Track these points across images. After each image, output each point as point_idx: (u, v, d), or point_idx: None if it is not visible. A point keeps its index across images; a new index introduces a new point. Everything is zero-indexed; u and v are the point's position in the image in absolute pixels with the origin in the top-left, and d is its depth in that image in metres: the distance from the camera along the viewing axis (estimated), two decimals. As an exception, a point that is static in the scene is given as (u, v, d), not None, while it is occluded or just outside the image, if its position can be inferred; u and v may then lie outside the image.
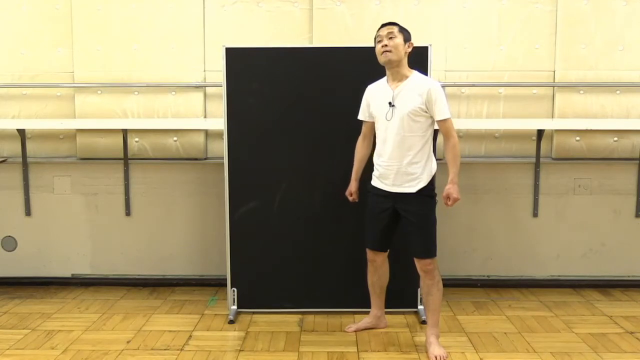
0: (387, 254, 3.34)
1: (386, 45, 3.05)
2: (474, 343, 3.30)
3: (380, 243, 3.29)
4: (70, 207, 4.29)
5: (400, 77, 3.11)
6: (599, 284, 4.23)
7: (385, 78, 3.20)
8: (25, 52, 4.23)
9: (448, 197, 3.08)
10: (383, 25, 3.14)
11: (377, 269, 3.36)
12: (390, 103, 3.09)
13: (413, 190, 3.09)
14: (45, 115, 4.26)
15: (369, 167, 3.32)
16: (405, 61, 3.11)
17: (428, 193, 3.12)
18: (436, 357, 3.08)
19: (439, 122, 3.08)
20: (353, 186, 3.42)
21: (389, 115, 3.09)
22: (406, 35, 3.11)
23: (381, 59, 3.10)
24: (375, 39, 3.14)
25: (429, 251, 3.13)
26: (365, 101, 3.28)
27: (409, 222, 3.14)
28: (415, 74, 3.13)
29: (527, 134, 4.20)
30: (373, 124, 3.25)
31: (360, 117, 3.32)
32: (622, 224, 4.24)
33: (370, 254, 3.34)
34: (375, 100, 3.20)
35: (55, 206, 4.30)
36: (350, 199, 3.43)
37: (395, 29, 3.09)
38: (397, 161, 3.09)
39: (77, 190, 4.29)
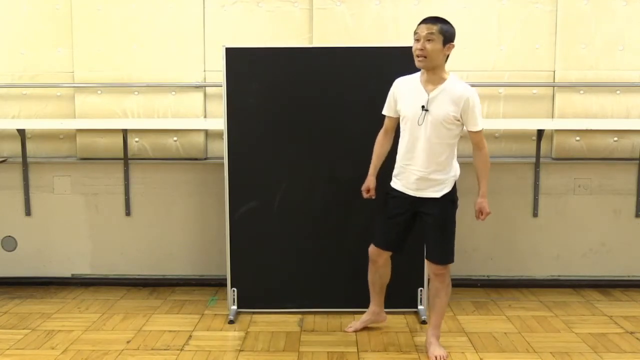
0: (390, 255, 3.26)
1: (421, 50, 2.90)
2: (474, 343, 3.30)
3: (393, 244, 3.19)
4: (70, 207, 4.29)
5: (436, 81, 2.96)
6: (599, 284, 4.23)
7: (418, 76, 3.03)
8: (25, 52, 4.23)
9: (481, 212, 3.04)
10: (424, 21, 2.94)
11: (378, 269, 3.30)
12: (423, 107, 2.94)
13: (437, 195, 3.02)
14: (45, 115, 4.26)
15: (385, 165, 3.24)
16: (443, 64, 2.95)
17: (451, 198, 3.06)
18: (436, 357, 3.08)
19: (473, 132, 2.99)
20: (372, 182, 3.23)
21: (420, 120, 2.95)
22: (447, 36, 2.90)
23: (415, 62, 2.95)
24: (414, 33, 2.96)
25: (447, 257, 3.09)
26: (392, 96, 3.10)
27: (428, 226, 3.08)
28: (451, 78, 2.98)
29: (527, 134, 4.20)
30: (397, 119, 3.12)
31: (385, 112, 3.14)
32: (622, 224, 4.23)
33: (374, 253, 3.24)
34: (405, 99, 3.03)
35: (55, 206, 4.29)
36: (367, 195, 3.27)
37: (435, 30, 2.88)
38: (424, 167, 2.99)
39: (77, 190, 4.29)
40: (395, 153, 3.15)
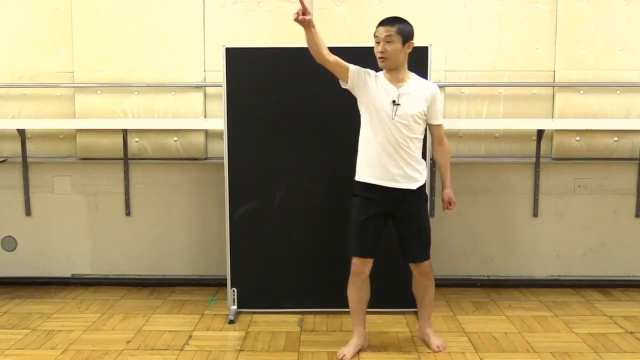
0: (372, 261, 3.13)
1: (382, 52, 2.98)
2: (474, 343, 3.30)
3: (373, 249, 3.09)
4: (70, 207, 4.29)
5: (400, 78, 3.04)
6: (599, 284, 4.23)
7: (383, 74, 3.08)
8: (25, 52, 4.23)
9: (449, 202, 3.11)
10: (382, 23, 3.02)
11: (364, 282, 3.12)
12: (394, 102, 3.00)
13: (414, 187, 3.03)
14: (45, 115, 4.26)
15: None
16: (405, 62, 3.04)
17: (424, 193, 3.10)
18: (438, 347, 3.17)
19: (436, 126, 3.10)
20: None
21: (393, 115, 2.99)
22: (406, 35, 2.98)
23: (378, 63, 3.03)
24: (374, 36, 3.03)
25: (428, 253, 3.13)
26: (366, 75, 3.04)
27: (408, 228, 3.08)
28: (414, 75, 3.09)
29: (527, 134, 4.20)
30: (346, 71, 3.01)
31: (351, 65, 3.03)
32: (622, 224, 4.24)
33: (359, 265, 3.07)
34: (375, 93, 3.01)
35: (55, 206, 4.30)
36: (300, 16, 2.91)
37: (393, 31, 2.96)
38: (398, 161, 2.99)
39: (77, 190, 4.29)
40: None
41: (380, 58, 3.00)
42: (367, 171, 3.05)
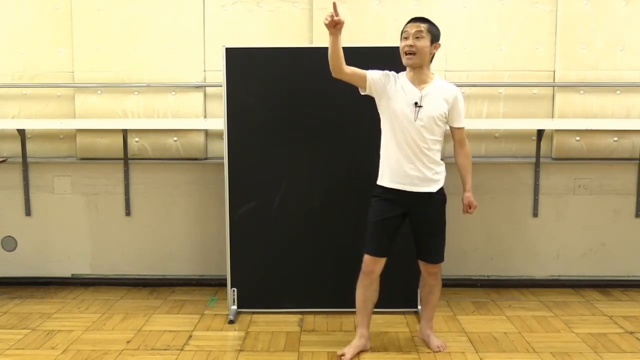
0: (384, 264, 3.12)
1: (411, 47, 2.92)
2: (474, 343, 3.30)
3: (387, 249, 3.09)
4: (70, 207, 4.30)
5: (423, 79, 2.99)
6: (599, 284, 4.23)
7: (405, 74, 3.04)
8: (25, 52, 4.23)
9: (470, 206, 3.10)
10: (412, 20, 2.98)
11: (373, 282, 3.09)
12: (416, 103, 2.96)
13: (433, 190, 3.01)
14: (45, 115, 4.26)
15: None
16: (428, 63, 3.01)
17: (443, 195, 3.08)
18: (438, 347, 3.18)
19: (457, 129, 3.07)
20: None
21: (414, 117, 2.95)
22: (435, 35, 2.97)
23: (404, 60, 2.98)
24: (401, 33, 3.00)
25: (442, 256, 3.13)
26: (385, 79, 3.00)
27: (425, 228, 3.07)
28: (437, 77, 3.06)
29: (527, 134, 4.20)
30: (364, 79, 2.99)
31: (370, 72, 3.00)
32: (622, 224, 4.24)
33: (370, 264, 3.06)
34: (397, 95, 2.98)
35: (55, 206, 4.30)
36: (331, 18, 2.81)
37: (424, 28, 2.93)
38: (417, 164, 2.97)
39: (77, 190, 4.29)
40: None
41: (408, 53, 2.94)
42: (387, 175, 3.05)
